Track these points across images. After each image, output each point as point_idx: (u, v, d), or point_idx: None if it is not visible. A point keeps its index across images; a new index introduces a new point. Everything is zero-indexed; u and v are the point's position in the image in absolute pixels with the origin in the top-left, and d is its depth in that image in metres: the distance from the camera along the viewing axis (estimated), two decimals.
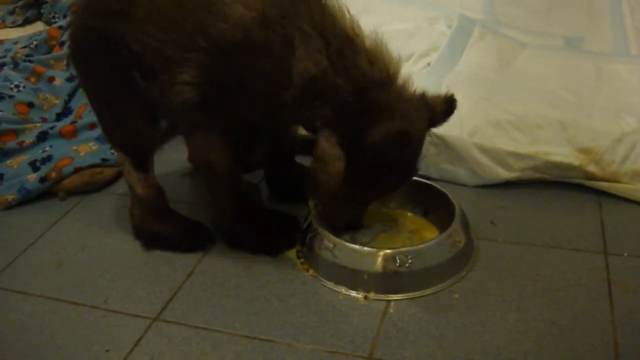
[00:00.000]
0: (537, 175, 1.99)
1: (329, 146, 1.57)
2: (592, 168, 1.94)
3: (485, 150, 1.99)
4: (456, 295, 1.61)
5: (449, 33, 2.52)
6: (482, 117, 2.05)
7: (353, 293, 1.65)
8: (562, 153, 1.96)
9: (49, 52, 2.77)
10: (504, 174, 2.00)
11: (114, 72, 1.66)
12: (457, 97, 2.08)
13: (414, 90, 1.58)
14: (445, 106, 1.62)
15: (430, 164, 2.05)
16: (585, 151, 1.95)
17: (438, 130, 1.99)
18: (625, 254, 1.72)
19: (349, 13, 1.56)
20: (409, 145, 1.51)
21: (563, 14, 2.73)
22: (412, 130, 1.50)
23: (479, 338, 1.48)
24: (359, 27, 1.56)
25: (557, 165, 1.96)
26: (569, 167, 1.95)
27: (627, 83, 2.25)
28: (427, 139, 1.99)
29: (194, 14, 1.53)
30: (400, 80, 1.56)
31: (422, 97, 1.58)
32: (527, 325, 1.51)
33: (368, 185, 1.62)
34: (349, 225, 1.79)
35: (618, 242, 1.76)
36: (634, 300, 1.56)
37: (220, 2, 1.51)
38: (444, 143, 2.02)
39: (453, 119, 2.02)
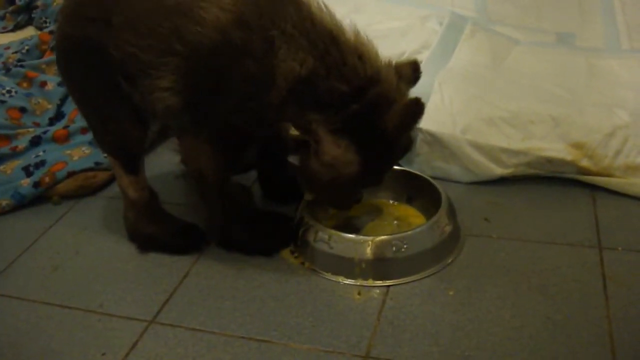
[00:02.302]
0: (531, 171, 2.00)
1: (341, 152, 1.56)
2: (585, 163, 1.94)
3: (478, 147, 1.99)
4: (451, 293, 1.61)
5: (440, 31, 2.52)
6: (474, 114, 2.05)
7: (350, 282, 1.67)
8: (555, 148, 1.96)
9: (41, 56, 2.76)
10: (497, 171, 2.00)
11: (98, 77, 1.66)
12: (449, 94, 2.11)
13: (390, 64, 1.59)
14: (413, 73, 1.63)
15: (424, 161, 2.05)
16: (578, 146, 1.95)
17: (431, 127, 2.01)
18: (620, 248, 1.72)
19: (327, 9, 1.56)
20: (423, 110, 1.54)
21: (554, 11, 2.73)
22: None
23: (475, 335, 1.49)
24: (340, 23, 1.56)
25: (550, 161, 1.96)
26: (562, 163, 1.95)
27: (619, 78, 2.25)
28: (420, 136, 2.00)
29: (169, 19, 1.53)
30: (384, 67, 1.57)
31: (396, 70, 1.60)
32: (522, 321, 1.51)
33: (381, 170, 1.66)
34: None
35: (612, 236, 1.76)
36: (629, 294, 1.56)
37: (195, 5, 1.50)
38: (436, 140, 2.02)
39: (445, 116, 2.04)
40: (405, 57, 2.38)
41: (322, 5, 1.55)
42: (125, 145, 1.76)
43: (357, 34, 1.55)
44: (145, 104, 1.64)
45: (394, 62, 1.61)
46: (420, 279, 1.67)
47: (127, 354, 1.51)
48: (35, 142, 2.29)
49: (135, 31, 1.57)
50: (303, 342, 1.50)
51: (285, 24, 1.50)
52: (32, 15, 3.49)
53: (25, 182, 2.13)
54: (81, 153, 2.22)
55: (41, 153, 2.24)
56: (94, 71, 1.66)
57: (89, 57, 1.64)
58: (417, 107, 1.52)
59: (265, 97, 1.54)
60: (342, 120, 1.53)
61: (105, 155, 2.10)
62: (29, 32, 3.36)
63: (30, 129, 2.36)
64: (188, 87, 1.57)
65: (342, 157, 1.56)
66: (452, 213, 1.79)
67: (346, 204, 1.78)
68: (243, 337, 1.53)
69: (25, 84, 2.57)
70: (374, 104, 1.52)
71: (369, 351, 1.46)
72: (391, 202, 1.95)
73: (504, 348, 1.44)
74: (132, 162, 1.78)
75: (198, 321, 1.59)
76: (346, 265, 1.68)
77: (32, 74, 2.59)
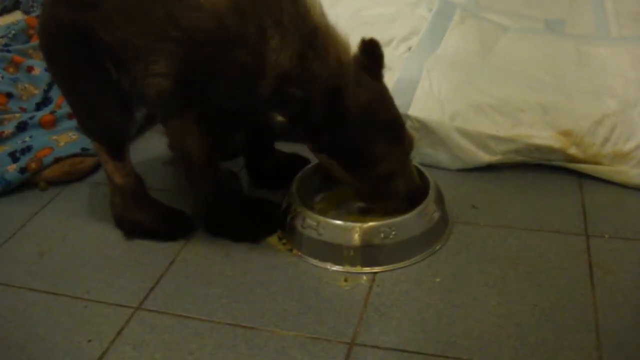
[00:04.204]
0: (519, 158, 1.99)
1: (316, 154, 1.70)
2: (573, 150, 1.94)
3: (466, 134, 1.99)
4: (438, 280, 1.61)
5: (429, 17, 2.51)
6: (463, 101, 2.04)
7: (338, 268, 1.67)
8: (543, 136, 1.96)
9: (28, 41, 2.74)
10: (485, 158, 2.00)
11: (85, 62, 1.65)
12: (438, 81, 2.10)
13: (350, 61, 1.61)
14: (368, 56, 1.63)
15: None
16: (566, 134, 1.95)
17: (419, 114, 2.01)
18: (606, 236, 1.72)
19: (319, 4, 1.58)
20: (341, 91, 1.54)
21: None
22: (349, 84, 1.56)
23: (462, 322, 1.49)
24: (324, 22, 1.59)
25: (538, 148, 1.96)
26: (550, 150, 1.95)
27: (608, 65, 2.25)
28: (408, 123, 2.00)
29: (164, 5, 1.53)
30: (346, 65, 1.60)
31: (355, 62, 1.62)
32: (509, 308, 1.51)
33: (371, 157, 1.62)
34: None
35: (599, 223, 1.77)
36: (615, 281, 1.57)
37: None
38: (425, 127, 2.01)
39: (434, 103, 2.03)
40: (394, 43, 2.39)
41: (317, 3, 1.58)
42: (110, 131, 1.75)
43: (335, 36, 1.59)
44: (135, 88, 1.64)
45: (353, 54, 1.63)
46: (408, 265, 1.67)
47: (113, 340, 1.51)
48: (22, 127, 2.28)
49: (127, 16, 1.56)
50: (289, 328, 1.50)
51: (281, 14, 1.52)
52: (19, 0, 3.46)
53: (12, 168, 2.11)
54: (68, 138, 2.21)
55: (27, 138, 2.23)
56: (81, 56, 1.64)
57: (76, 42, 1.63)
58: (333, 89, 1.53)
59: (256, 87, 1.55)
60: (307, 128, 1.60)
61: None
62: (16, 16, 3.32)
63: (17, 114, 2.34)
64: (182, 72, 1.57)
65: (319, 158, 1.68)
66: (440, 200, 1.78)
67: (393, 203, 1.74)
68: (229, 324, 1.53)
69: (11, 69, 2.55)
70: (325, 107, 1.55)
71: (355, 338, 1.46)
72: None
73: (490, 335, 1.45)
74: (117, 148, 1.77)
75: (184, 308, 1.59)
76: (334, 252, 1.68)
77: (18, 58, 2.57)
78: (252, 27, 1.51)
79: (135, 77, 1.61)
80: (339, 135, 1.57)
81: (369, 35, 1.65)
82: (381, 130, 1.61)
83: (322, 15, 1.59)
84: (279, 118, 1.82)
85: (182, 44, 1.54)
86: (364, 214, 1.81)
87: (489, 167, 2.02)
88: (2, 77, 2.47)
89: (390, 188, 1.69)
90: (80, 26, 1.60)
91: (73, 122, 2.26)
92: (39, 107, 2.45)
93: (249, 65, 1.53)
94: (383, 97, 1.65)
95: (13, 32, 2.75)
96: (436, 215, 1.74)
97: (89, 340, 1.52)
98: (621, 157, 1.92)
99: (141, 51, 1.57)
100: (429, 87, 2.09)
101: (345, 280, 1.63)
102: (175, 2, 1.52)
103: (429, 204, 1.73)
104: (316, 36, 1.55)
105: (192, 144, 1.68)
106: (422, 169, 1.86)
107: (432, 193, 1.75)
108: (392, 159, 1.64)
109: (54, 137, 2.22)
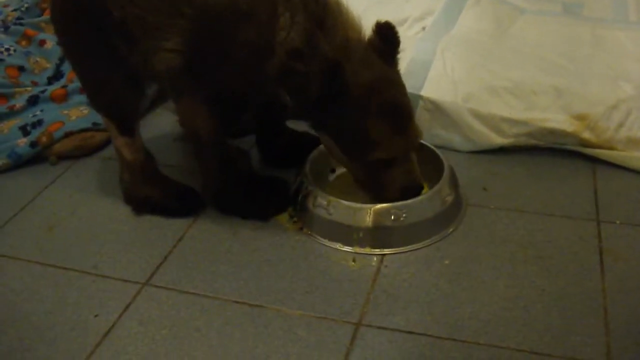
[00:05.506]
0: (531, 141, 1.97)
1: (316, 132, 1.67)
2: (586, 135, 1.92)
3: (479, 116, 1.97)
4: (446, 262, 1.61)
5: None
6: (477, 83, 2.02)
7: (348, 249, 1.66)
8: (556, 119, 1.94)
9: (40, 15, 2.73)
10: (498, 140, 1.98)
11: (95, 38, 1.64)
12: (452, 62, 2.08)
13: (360, 42, 1.58)
14: (381, 35, 1.59)
15: (424, 129, 2.01)
16: (580, 118, 1.93)
17: (432, 95, 1.99)
18: (618, 222, 1.71)
19: None
20: (341, 67, 1.50)
21: None
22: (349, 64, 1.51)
23: (469, 304, 1.48)
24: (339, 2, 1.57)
25: (552, 132, 1.94)
26: (564, 134, 1.93)
27: (625, 49, 2.22)
28: (421, 103, 1.98)
29: None
30: (354, 43, 1.56)
31: (369, 45, 1.58)
32: (517, 292, 1.51)
33: (368, 140, 1.56)
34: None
35: (611, 209, 1.75)
36: (625, 268, 1.56)
37: None
38: (437, 108, 2.00)
39: (447, 84, 2.01)
40: (408, 23, 2.37)
41: None
42: (119, 107, 1.75)
43: (345, 14, 1.56)
44: (145, 65, 1.63)
45: (367, 35, 1.60)
46: (419, 248, 1.66)
47: (120, 316, 1.51)
48: (33, 101, 2.28)
49: None
50: (296, 307, 1.50)
51: None
52: None
53: (22, 142, 2.12)
54: (79, 113, 2.21)
55: (39, 112, 2.23)
56: (92, 31, 1.64)
57: (87, 17, 1.62)
58: (333, 67, 1.49)
59: (264, 65, 1.53)
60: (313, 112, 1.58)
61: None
62: None
63: (28, 88, 2.34)
64: (193, 49, 1.56)
65: (326, 141, 1.63)
66: (454, 184, 1.76)
67: (394, 193, 1.65)
68: (236, 302, 1.53)
69: (24, 42, 2.55)
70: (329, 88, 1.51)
71: (362, 318, 1.46)
72: None
73: (497, 318, 1.44)
74: (127, 124, 1.77)
75: (192, 284, 1.59)
76: (344, 232, 1.67)
77: (31, 32, 2.57)
78: (263, 5, 1.50)
79: (146, 53, 1.61)
80: (337, 113, 1.54)
81: (382, 14, 1.63)
82: (382, 114, 1.54)
83: None
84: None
85: (194, 20, 1.53)
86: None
87: (501, 150, 2.00)
88: (15, 51, 2.47)
89: (385, 177, 1.62)
90: (90, 1, 1.59)
91: (84, 97, 2.25)
92: (50, 81, 2.45)
93: (258, 43, 1.52)
94: (390, 82, 1.59)
95: (26, 5, 2.75)
96: (449, 198, 1.72)
97: (96, 315, 1.52)
98: (635, 142, 1.90)
99: (152, 27, 1.56)
100: (442, 68, 2.07)
101: (354, 261, 1.63)
102: None
103: (442, 186, 1.71)
104: (326, 14, 1.53)
105: (201, 122, 1.67)
106: (438, 151, 1.84)
107: (446, 176, 1.73)
108: (390, 147, 1.56)
109: (65, 112, 2.22)
